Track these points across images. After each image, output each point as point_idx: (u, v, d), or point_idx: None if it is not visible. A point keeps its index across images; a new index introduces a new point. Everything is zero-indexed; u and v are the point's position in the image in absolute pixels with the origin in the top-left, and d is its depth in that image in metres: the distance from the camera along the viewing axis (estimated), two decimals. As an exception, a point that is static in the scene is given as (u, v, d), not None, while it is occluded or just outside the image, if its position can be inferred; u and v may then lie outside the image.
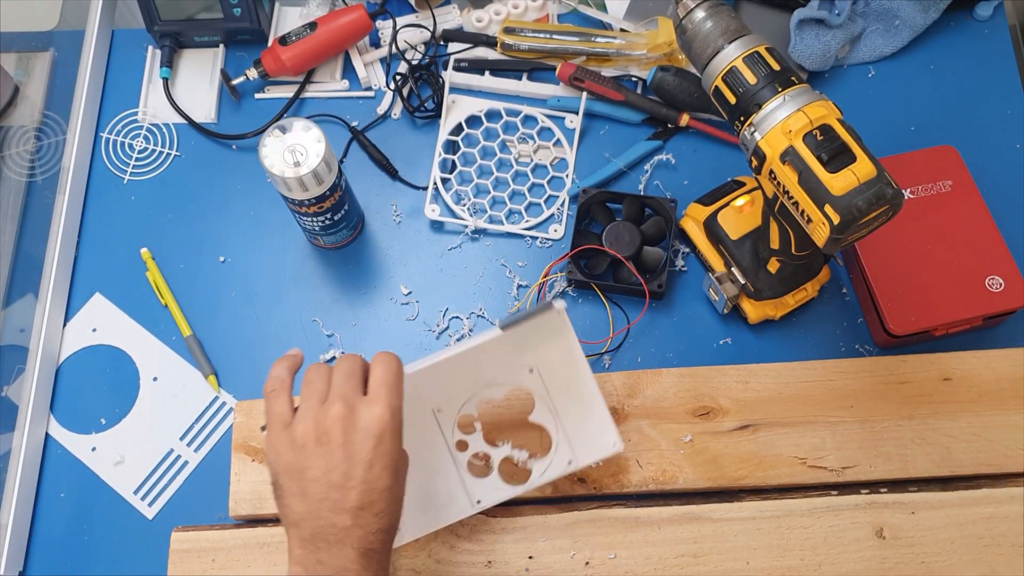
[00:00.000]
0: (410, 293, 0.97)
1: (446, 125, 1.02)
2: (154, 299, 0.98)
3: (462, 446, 0.84)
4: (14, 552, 0.88)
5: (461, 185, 1.00)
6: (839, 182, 0.68)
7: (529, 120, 1.03)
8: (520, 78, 1.04)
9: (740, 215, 0.89)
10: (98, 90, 1.06)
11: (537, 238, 0.98)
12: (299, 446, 0.67)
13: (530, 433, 0.84)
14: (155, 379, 0.95)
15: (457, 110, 1.02)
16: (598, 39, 1.01)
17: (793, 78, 0.72)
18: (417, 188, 1.01)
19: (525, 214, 0.99)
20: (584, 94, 1.01)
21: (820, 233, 0.71)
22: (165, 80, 1.05)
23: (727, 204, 0.91)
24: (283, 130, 0.85)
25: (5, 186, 1.02)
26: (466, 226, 0.99)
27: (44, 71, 1.08)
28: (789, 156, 0.70)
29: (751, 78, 0.72)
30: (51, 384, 0.95)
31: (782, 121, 0.71)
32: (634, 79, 1.03)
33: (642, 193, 0.98)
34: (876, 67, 1.03)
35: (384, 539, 0.67)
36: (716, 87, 0.75)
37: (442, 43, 1.06)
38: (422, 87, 1.05)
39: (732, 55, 0.73)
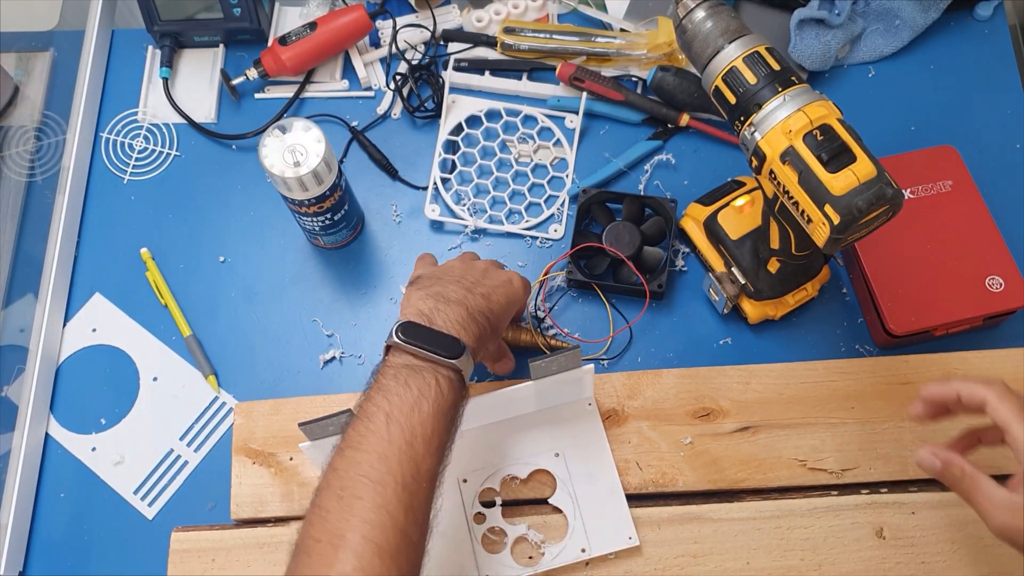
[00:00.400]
0: (410, 293, 0.97)
1: (446, 125, 1.02)
2: (154, 299, 0.98)
3: (479, 519, 0.84)
4: (14, 552, 0.88)
5: (461, 185, 1.00)
6: (839, 182, 0.68)
7: (529, 120, 1.03)
8: (520, 78, 1.04)
9: (740, 215, 0.89)
10: (98, 90, 1.06)
11: (537, 238, 0.98)
12: (445, 266, 0.81)
13: (548, 515, 0.84)
14: (155, 379, 0.95)
15: (457, 110, 1.02)
16: (598, 39, 1.01)
17: (793, 78, 0.72)
18: (417, 188, 1.01)
19: (525, 214, 0.99)
20: (584, 94, 1.01)
21: (820, 233, 0.71)
22: (165, 80, 1.05)
23: (727, 204, 0.91)
24: (283, 130, 0.85)
25: (5, 186, 1.02)
26: (466, 226, 0.99)
27: (44, 71, 1.08)
28: (789, 156, 0.70)
29: (751, 78, 0.72)
30: (51, 384, 0.95)
31: (782, 121, 0.71)
32: (634, 79, 1.03)
33: (642, 193, 0.98)
34: (876, 67, 1.03)
35: (486, 327, 0.75)
36: (716, 87, 0.75)
37: (442, 43, 1.06)
38: (422, 87, 1.05)
39: (732, 55, 0.73)
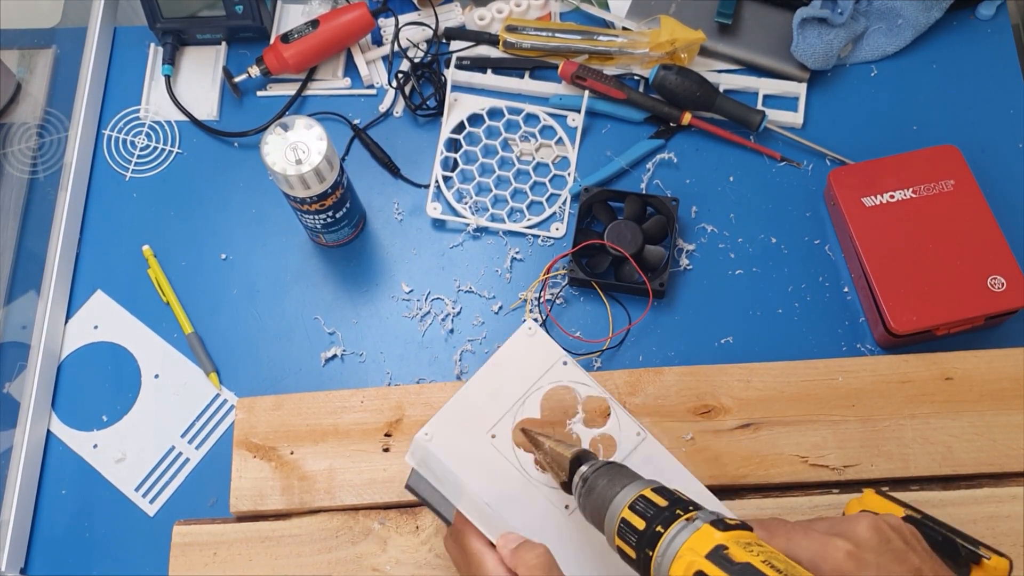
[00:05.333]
0: (412, 291, 0.97)
1: (448, 123, 1.02)
2: (156, 296, 0.98)
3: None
4: (15, 549, 0.88)
5: (463, 183, 1.00)
6: None
7: (531, 118, 1.03)
8: (522, 76, 1.04)
9: None
10: (100, 87, 1.06)
11: (539, 236, 0.98)
12: None
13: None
14: (156, 376, 0.95)
15: (459, 108, 1.02)
16: (600, 37, 1.01)
17: (679, 511, 0.59)
18: (419, 186, 1.01)
19: (527, 212, 0.99)
20: (586, 92, 1.01)
21: None
22: (167, 77, 1.05)
23: None
24: (285, 128, 0.85)
25: (7, 183, 1.02)
26: (468, 224, 0.99)
27: (46, 68, 1.08)
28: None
29: (639, 523, 0.60)
30: (52, 381, 0.95)
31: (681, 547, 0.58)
32: (636, 77, 1.03)
33: (644, 192, 0.98)
34: (879, 66, 1.03)
35: None
36: (618, 547, 0.62)
37: (444, 41, 1.06)
38: (424, 85, 1.05)
39: (621, 504, 0.62)
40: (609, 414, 0.78)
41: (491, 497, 0.73)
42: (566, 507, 0.76)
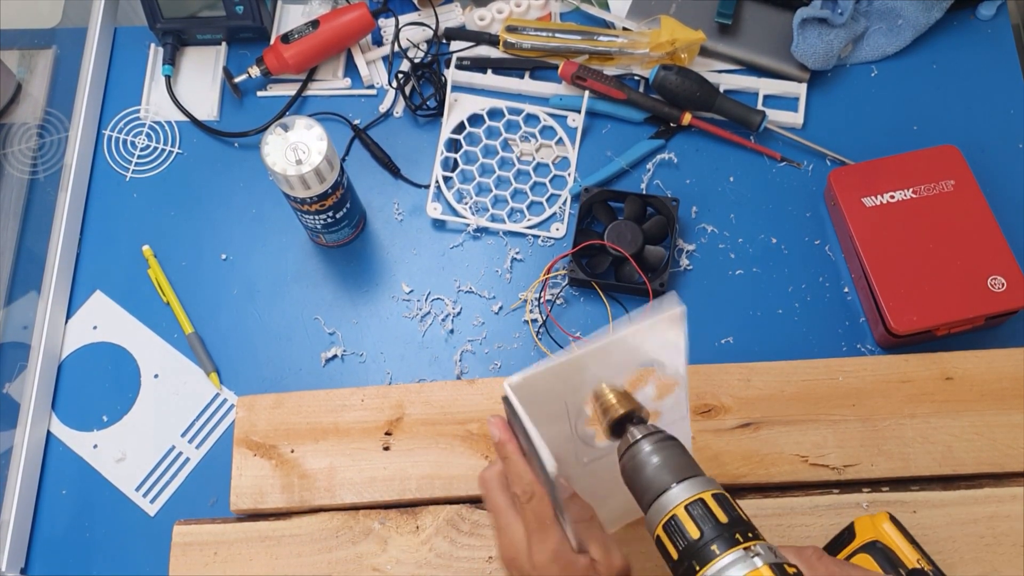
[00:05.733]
0: (412, 291, 0.97)
1: (448, 123, 1.02)
2: (156, 296, 0.98)
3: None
4: (15, 550, 0.88)
5: (463, 183, 1.00)
6: None
7: (531, 119, 1.03)
8: (522, 76, 1.04)
9: None
10: (100, 87, 1.06)
11: (539, 237, 0.98)
12: None
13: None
14: (156, 376, 0.95)
15: (459, 108, 1.03)
16: (601, 38, 1.01)
17: (738, 535, 0.58)
18: (419, 186, 1.01)
19: (527, 213, 0.99)
20: (586, 93, 1.01)
21: None
22: (167, 78, 1.05)
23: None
24: (285, 128, 0.85)
25: (7, 183, 1.02)
26: (468, 224, 0.99)
27: (46, 68, 1.08)
28: None
29: (693, 531, 0.59)
30: (53, 381, 0.95)
31: None
32: (636, 78, 1.03)
33: (644, 192, 0.98)
34: (879, 66, 1.03)
35: None
36: (657, 536, 0.62)
37: (444, 41, 1.06)
38: (424, 85, 1.05)
39: (676, 499, 0.61)
40: (672, 392, 0.75)
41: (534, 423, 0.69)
42: (585, 461, 0.73)
